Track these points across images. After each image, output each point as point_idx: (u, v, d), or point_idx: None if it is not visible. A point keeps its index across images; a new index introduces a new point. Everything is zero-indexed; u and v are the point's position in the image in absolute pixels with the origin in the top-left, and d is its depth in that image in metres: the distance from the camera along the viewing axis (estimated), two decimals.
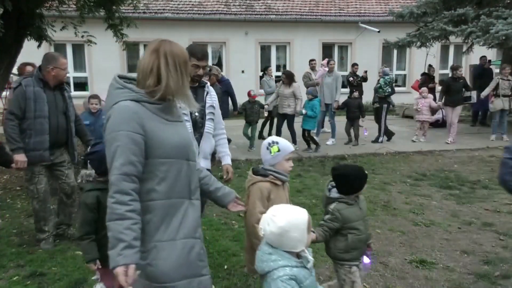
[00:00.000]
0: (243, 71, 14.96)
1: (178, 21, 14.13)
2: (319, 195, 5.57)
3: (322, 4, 15.88)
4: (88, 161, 2.55)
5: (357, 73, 11.21)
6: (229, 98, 8.52)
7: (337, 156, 7.99)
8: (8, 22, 5.64)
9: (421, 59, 13.80)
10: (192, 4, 14.79)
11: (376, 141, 9.19)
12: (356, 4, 16.04)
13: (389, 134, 9.50)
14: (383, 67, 9.91)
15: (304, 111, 8.22)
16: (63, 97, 4.03)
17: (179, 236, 1.84)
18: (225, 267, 3.59)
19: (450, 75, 10.02)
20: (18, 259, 3.79)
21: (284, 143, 2.51)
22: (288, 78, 8.38)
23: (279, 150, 2.47)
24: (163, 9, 14.29)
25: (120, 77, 1.91)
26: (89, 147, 2.76)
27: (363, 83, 11.15)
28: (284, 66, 15.56)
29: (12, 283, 3.37)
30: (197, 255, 1.91)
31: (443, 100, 9.34)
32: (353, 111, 8.92)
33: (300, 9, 15.46)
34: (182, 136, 1.94)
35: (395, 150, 8.44)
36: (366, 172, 2.61)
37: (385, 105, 9.18)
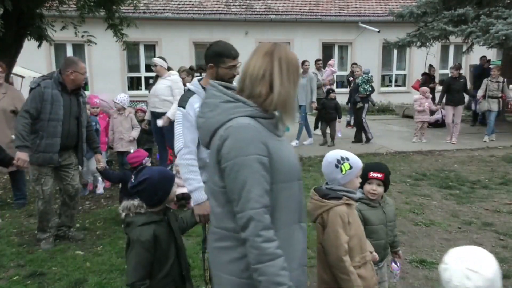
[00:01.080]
0: None
1: (178, 21, 14.12)
2: None
3: (322, 4, 15.87)
4: (137, 192, 2.15)
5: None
6: None
7: None
8: (8, 22, 5.66)
9: (421, 59, 13.79)
10: (192, 4, 14.78)
11: (367, 141, 9.16)
12: (356, 4, 16.03)
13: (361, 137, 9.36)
14: (360, 67, 10.05)
15: None
16: (78, 102, 4.05)
17: (293, 267, 1.62)
18: None
19: (450, 75, 10.03)
20: (18, 259, 3.79)
21: (355, 159, 2.20)
22: None
23: (351, 168, 2.15)
24: (163, 9, 14.29)
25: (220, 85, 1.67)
26: (133, 176, 2.37)
27: None
28: None
29: (12, 283, 3.37)
30: (304, 285, 1.74)
31: (443, 100, 9.34)
32: (329, 112, 8.84)
33: (300, 9, 15.45)
34: (294, 154, 1.71)
35: (395, 150, 8.44)
36: (369, 163, 2.62)
37: (366, 105, 9.20)
